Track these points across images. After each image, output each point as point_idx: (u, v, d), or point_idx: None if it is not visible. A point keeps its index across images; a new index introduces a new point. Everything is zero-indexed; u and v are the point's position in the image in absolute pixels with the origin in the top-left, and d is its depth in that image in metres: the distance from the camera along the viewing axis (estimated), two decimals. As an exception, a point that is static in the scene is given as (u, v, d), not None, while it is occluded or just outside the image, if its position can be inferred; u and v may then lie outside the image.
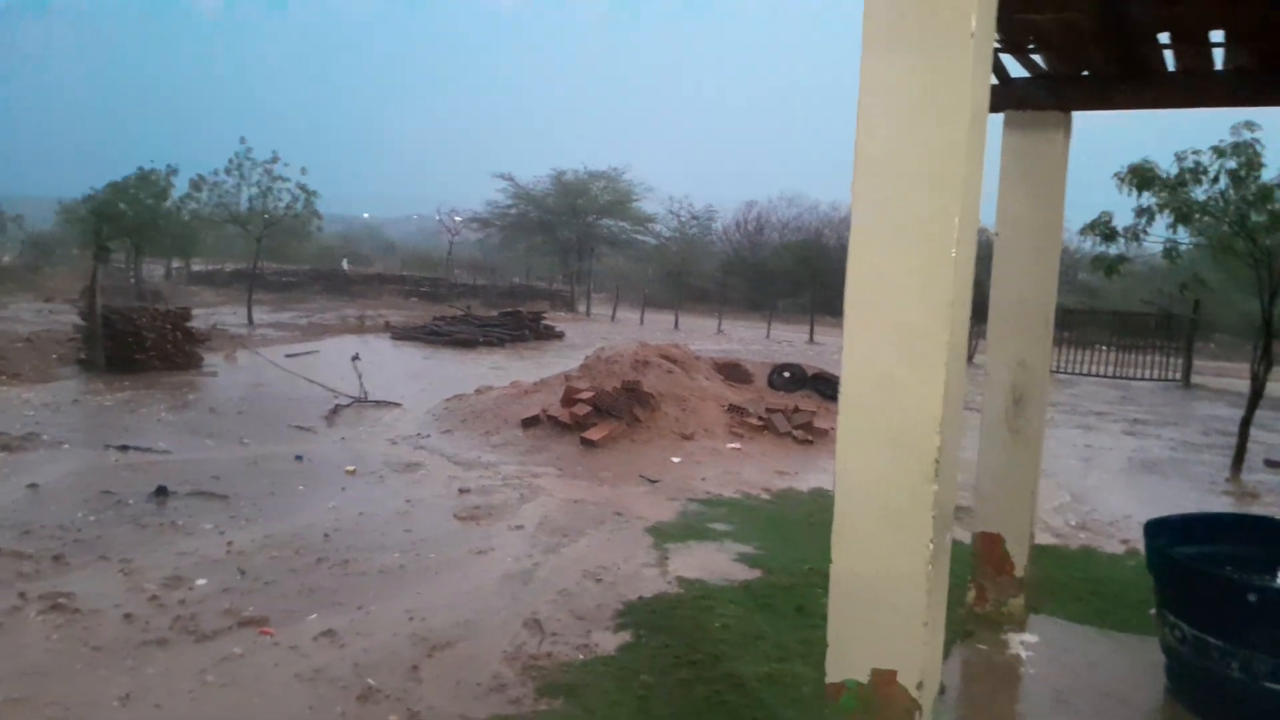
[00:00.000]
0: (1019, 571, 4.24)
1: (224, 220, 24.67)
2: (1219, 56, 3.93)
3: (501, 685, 4.17)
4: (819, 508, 7.30)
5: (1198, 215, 9.05)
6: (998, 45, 3.96)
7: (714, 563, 5.97)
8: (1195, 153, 8.80)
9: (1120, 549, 6.61)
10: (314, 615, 4.96)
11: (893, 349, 2.32)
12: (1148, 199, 8.96)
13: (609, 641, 4.68)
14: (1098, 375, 19.37)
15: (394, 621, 4.92)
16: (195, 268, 37.28)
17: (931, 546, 2.30)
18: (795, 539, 6.53)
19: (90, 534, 6.14)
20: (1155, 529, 3.76)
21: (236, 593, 5.24)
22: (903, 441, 2.31)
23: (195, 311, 16.30)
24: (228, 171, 23.27)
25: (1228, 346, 25.89)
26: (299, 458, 8.69)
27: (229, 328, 19.75)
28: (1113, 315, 20.97)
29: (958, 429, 2.44)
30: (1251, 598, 3.12)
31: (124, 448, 8.70)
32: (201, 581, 5.38)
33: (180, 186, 24.53)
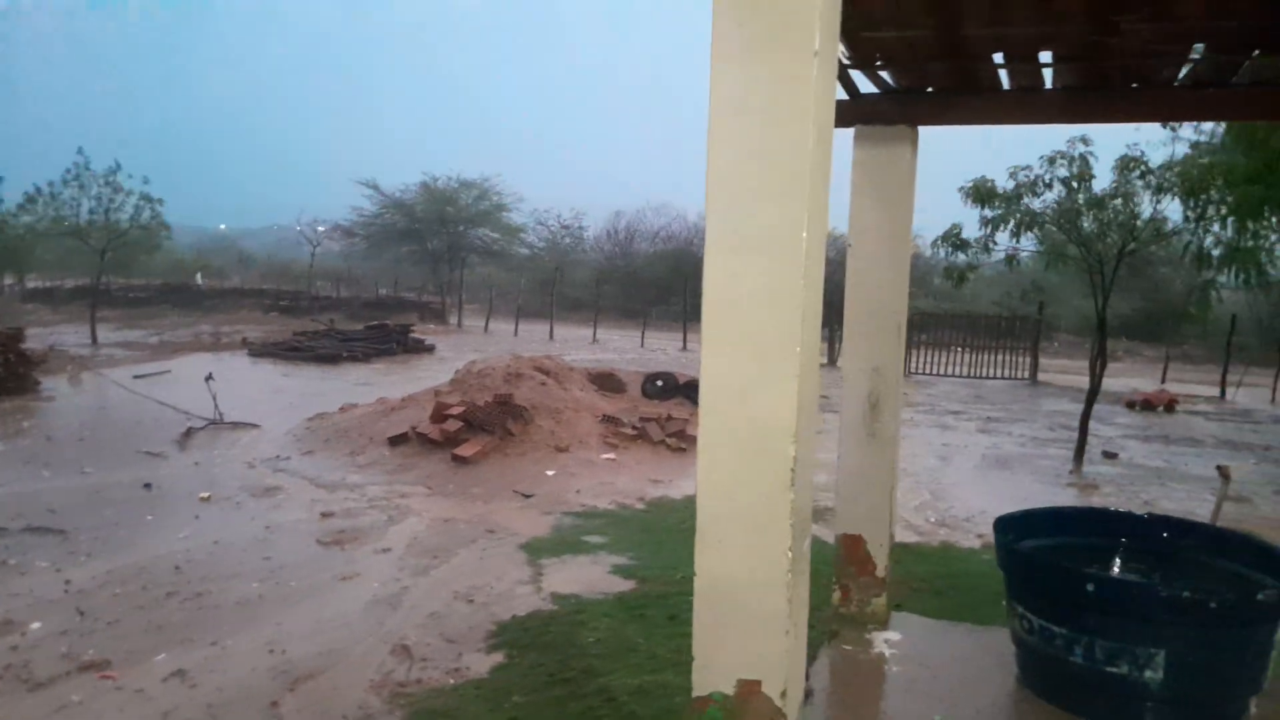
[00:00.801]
0: (880, 571, 4.37)
1: (61, 234, 23.12)
2: (1049, 75, 4.18)
3: (368, 715, 4.01)
4: (691, 515, 7.31)
5: (1036, 225, 9.64)
6: (846, 62, 4.10)
7: (588, 576, 5.93)
8: (1026, 169, 9.40)
9: (976, 543, 6.93)
10: (163, 655, 4.66)
11: (746, 360, 2.34)
12: (990, 212, 9.49)
13: (481, 663, 4.57)
14: (953, 375, 20.35)
15: (252, 655, 4.67)
16: (31, 284, 34.76)
17: (791, 554, 2.32)
18: (669, 547, 6.57)
19: (-96, 579, 5.60)
20: (1004, 525, 3.93)
21: (75, 635, 4.88)
22: (759, 451, 2.33)
23: (31, 331, 15.19)
24: (65, 183, 21.84)
25: (1069, 345, 27.72)
26: (148, 485, 8.18)
27: (69, 348, 18.48)
28: (965, 318, 22.08)
29: (812, 437, 2.49)
30: (1090, 587, 3.30)
31: (-54, 482, 8.00)
32: (35, 625, 4.99)
33: (13, 199, 22.91)
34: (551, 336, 27.11)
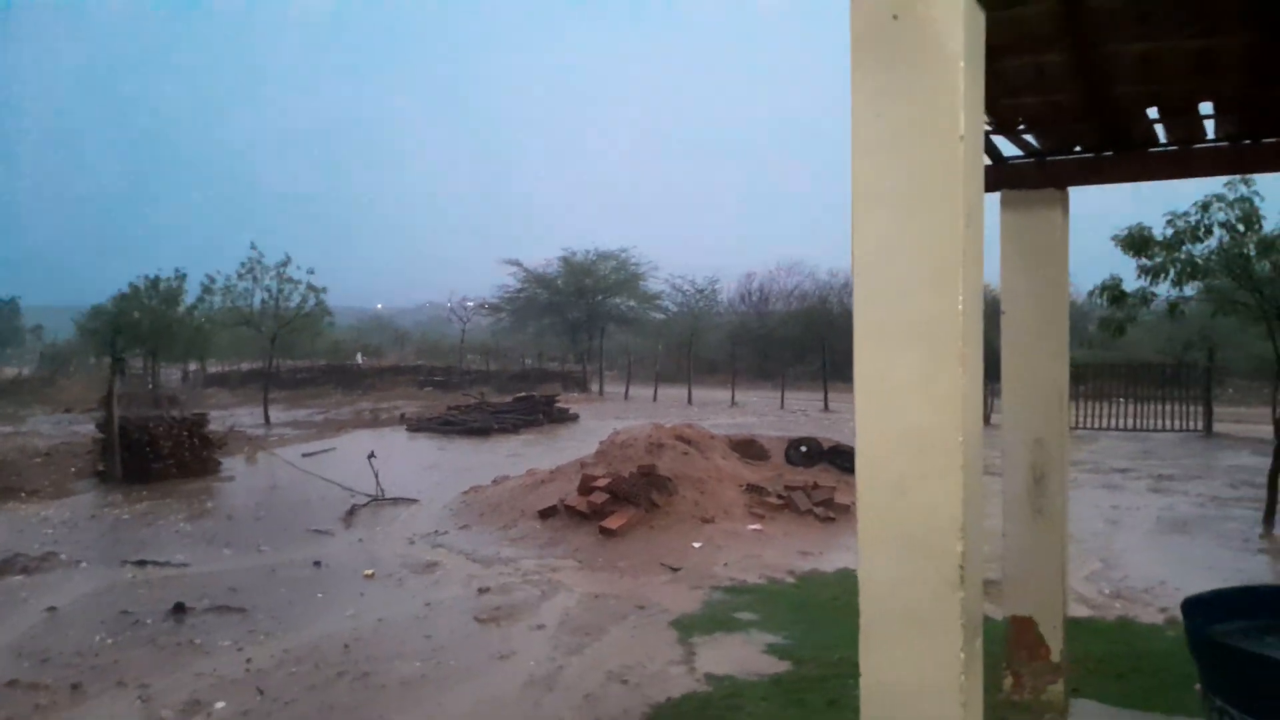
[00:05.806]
0: (1055, 656, 4.12)
1: (236, 324, 25.03)
2: (1209, 126, 3.97)
3: (529, 803, 4.04)
4: (845, 589, 7.15)
5: (1200, 273, 9.05)
6: (988, 128, 4.01)
7: (741, 656, 5.82)
8: (1185, 215, 8.84)
9: (1159, 618, 6.43)
10: (335, 735, 4.84)
11: (904, 453, 2.28)
12: (1148, 261, 8.97)
13: (638, 749, 4.54)
14: (1117, 429, 19.18)
15: (417, 738, 4.80)
16: (210, 369, 37.64)
17: (963, 655, 2.22)
18: (823, 625, 6.39)
19: (108, 659, 6.06)
20: (1193, 607, 3.64)
21: (256, 715, 5.14)
22: (924, 548, 2.25)
23: (212, 413, 16.42)
24: (240, 276, 23.73)
25: (1244, 391, 25.63)
26: (317, 563, 8.61)
27: (246, 429, 19.81)
28: (1126, 367, 20.85)
29: (980, 530, 2.39)
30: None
31: (141, 563, 8.65)
32: (220, 704, 5.28)
33: (191, 291, 25.04)
34: (690, 400, 27.18)
